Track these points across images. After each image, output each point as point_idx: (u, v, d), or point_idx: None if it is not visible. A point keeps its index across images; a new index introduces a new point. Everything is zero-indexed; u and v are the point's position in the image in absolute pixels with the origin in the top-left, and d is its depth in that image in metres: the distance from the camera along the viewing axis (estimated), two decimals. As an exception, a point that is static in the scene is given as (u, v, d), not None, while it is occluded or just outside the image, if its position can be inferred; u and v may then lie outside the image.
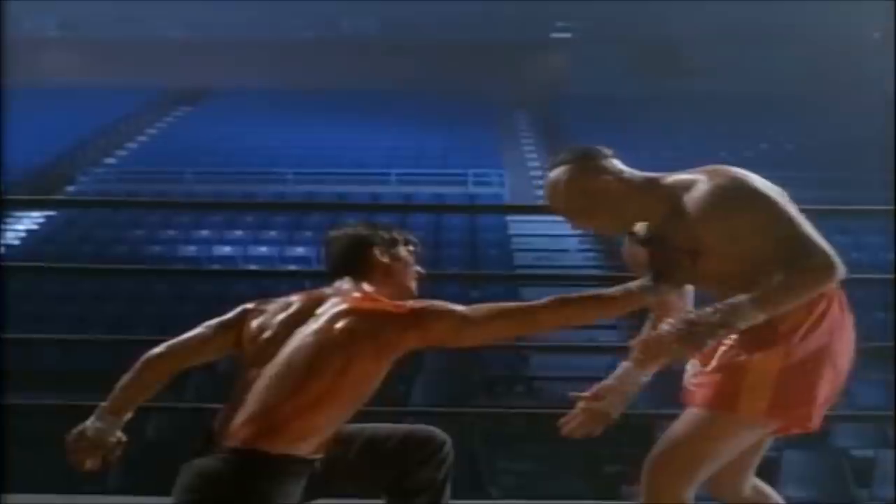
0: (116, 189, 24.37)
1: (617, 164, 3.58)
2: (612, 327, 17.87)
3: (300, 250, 19.96)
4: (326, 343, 3.37)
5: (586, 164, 3.51)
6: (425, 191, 24.32)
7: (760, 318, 3.18)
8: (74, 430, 3.52)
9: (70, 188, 25.37)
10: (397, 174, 25.70)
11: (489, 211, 23.40)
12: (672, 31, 33.58)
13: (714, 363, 3.39)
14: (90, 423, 3.54)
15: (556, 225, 22.66)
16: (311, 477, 3.42)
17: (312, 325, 3.44)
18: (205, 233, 21.26)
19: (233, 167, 25.24)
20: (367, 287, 3.63)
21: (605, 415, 3.70)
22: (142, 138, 31.36)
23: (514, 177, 27.04)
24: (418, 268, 3.86)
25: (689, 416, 3.39)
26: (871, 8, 31.22)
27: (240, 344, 3.55)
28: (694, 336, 3.19)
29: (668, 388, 11.80)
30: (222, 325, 3.62)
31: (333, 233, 3.83)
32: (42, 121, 27.48)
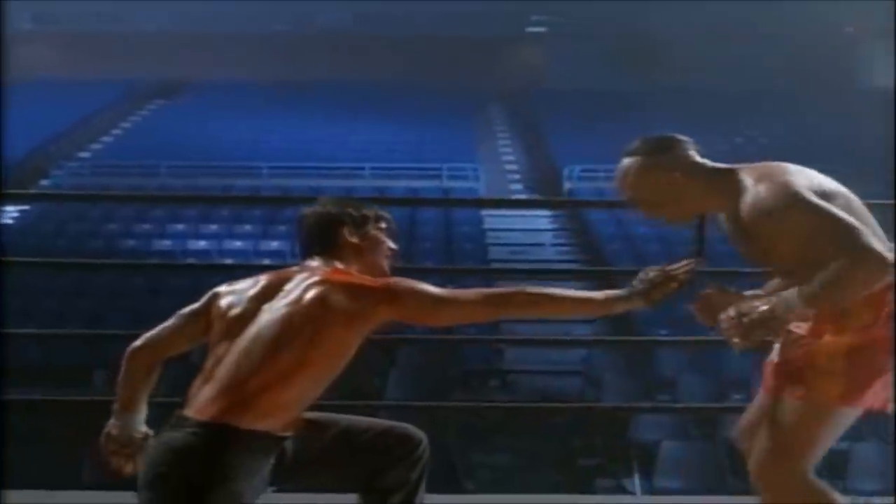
0: (91, 183, 24.28)
1: (689, 155, 3.57)
2: (588, 321, 17.91)
3: (275, 244, 19.93)
4: (296, 314, 3.37)
5: (658, 157, 3.55)
6: (400, 185, 24.32)
7: (809, 311, 3.31)
8: (102, 435, 3.58)
9: (44, 182, 25.27)
10: (371, 168, 25.68)
11: (464, 205, 23.38)
12: (648, 27, 33.62)
13: (791, 352, 3.47)
14: (111, 423, 3.59)
15: (530, 219, 22.82)
16: (282, 460, 3.41)
17: (282, 299, 3.44)
18: (180, 227, 21.20)
19: (207, 161, 25.16)
20: (337, 265, 3.60)
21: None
22: (116, 132, 31.22)
23: (489, 171, 27.06)
24: (391, 244, 3.81)
25: (782, 407, 3.44)
26: (843, 4, 31.36)
27: (211, 328, 3.55)
28: (745, 327, 3.33)
29: (642, 383, 11.83)
30: (193, 313, 3.64)
31: (305, 211, 3.79)
32: (16, 114, 27.33)
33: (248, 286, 3.56)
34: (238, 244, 20.22)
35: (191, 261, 18.38)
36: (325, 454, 3.52)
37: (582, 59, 34.46)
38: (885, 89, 32.67)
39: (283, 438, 3.38)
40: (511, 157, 30.23)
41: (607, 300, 3.71)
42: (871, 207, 3.52)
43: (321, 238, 3.68)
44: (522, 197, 26.02)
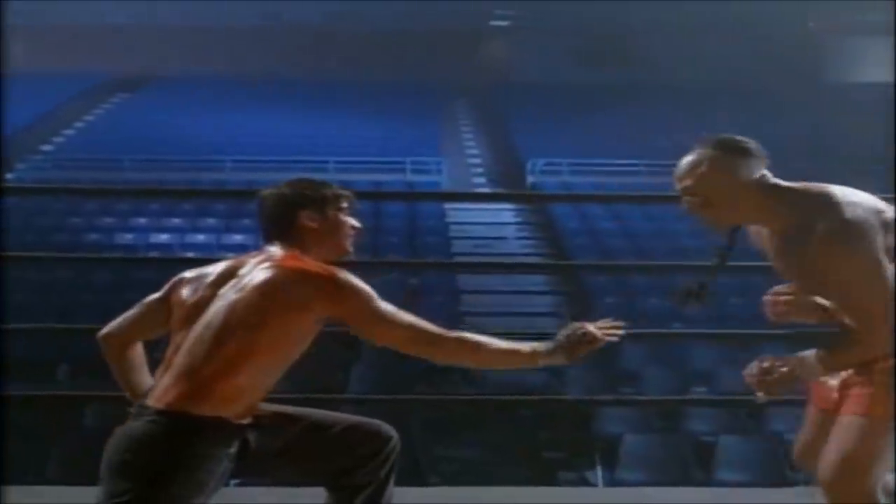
0: (54, 176, 24.14)
1: (758, 165, 3.56)
2: (550, 314, 17.97)
3: (238, 238, 19.88)
4: (240, 301, 3.36)
5: (734, 160, 3.53)
6: (364, 178, 24.29)
7: (825, 372, 3.49)
8: None
9: (8, 175, 25.12)
10: (336, 162, 25.64)
11: (427, 198, 23.38)
12: (612, 21, 33.67)
13: (850, 371, 3.53)
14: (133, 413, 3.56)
15: (493, 212, 22.85)
16: (248, 452, 3.41)
17: (232, 286, 3.44)
18: (143, 220, 21.13)
19: (171, 155, 25.06)
20: (297, 251, 3.57)
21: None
22: (79, 125, 31.05)
23: (453, 164, 27.06)
24: (354, 222, 3.78)
25: (849, 425, 3.47)
26: (806, 1, 31.59)
27: (172, 315, 3.56)
28: (768, 383, 3.55)
29: (604, 377, 11.83)
30: (156, 301, 3.66)
31: (263, 193, 3.74)
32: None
33: (208, 272, 3.57)
34: (201, 238, 20.16)
35: (154, 254, 18.33)
36: (293, 448, 3.52)
37: (546, 53, 34.53)
38: (847, 85, 32.91)
39: (242, 426, 3.37)
40: (474, 151, 30.25)
41: (533, 353, 3.60)
42: None
43: (279, 223, 3.64)
44: (486, 190, 26.04)
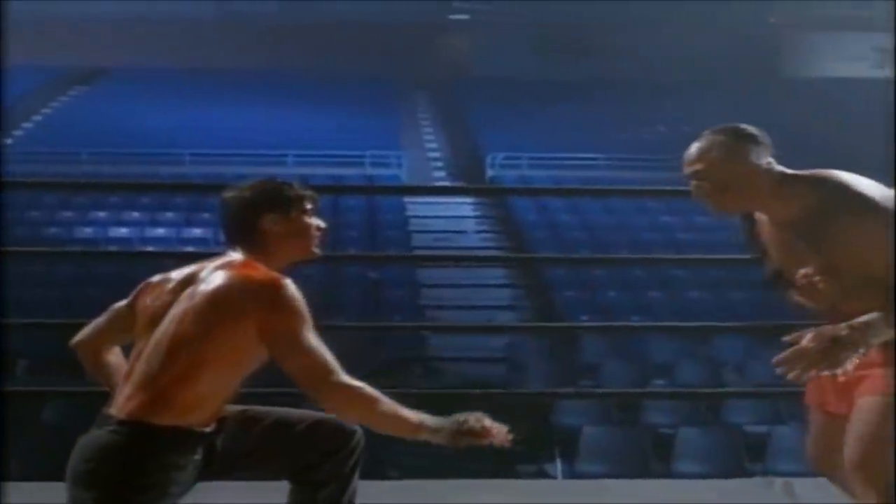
0: (12, 170, 23.98)
1: (765, 152, 3.58)
2: (511, 308, 18.01)
3: (198, 232, 19.83)
4: (190, 310, 3.32)
5: (747, 145, 3.56)
6: (323, 172, 24.26)
7: (892, 334, 3.36)
8: None
9: (-35, 169, 24.95)
10: (295, 155, 25.60)
11: (387, 192, 23.39)
12: (572, 16, 33.72)
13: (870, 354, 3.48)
14: None
15: (453, 206, 22.86)
16: (213, 455, 3.39)
17: (188, 293, 3.39)
18: (102, 214, 21.03)
19: (130, 148, 24.97)
20: (259, 256, 3.49)
21: None
22: (37, 118, 30.87)
23: (412, 158, 27.07)
24: (319, 223, 3.69)
25: (869, 406, 3.48)
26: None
27: (136, 321, 3.51)
28: (832, 354, 3.31)
29: (565, 369, 11.84)
30: (124, 306, 3.60)
31: (225, 196, 3.62)
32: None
33: (172, 278, 3.52)
34: (160, 232, 20.10)
35: (114, 248, 18.25)
36: (258, 448, 3.50)
37: (506, 47, 34.55)
38: (807, 79, 33.11)
39: (206, 434, 3.35)
40: (434, 145, 30.27)
41: (419, 426, 3.42)
42: None
43: (242, 228, 3.54)
44: (446, 184, 26.07)
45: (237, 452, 3.47)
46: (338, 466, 3.53)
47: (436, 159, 28.90)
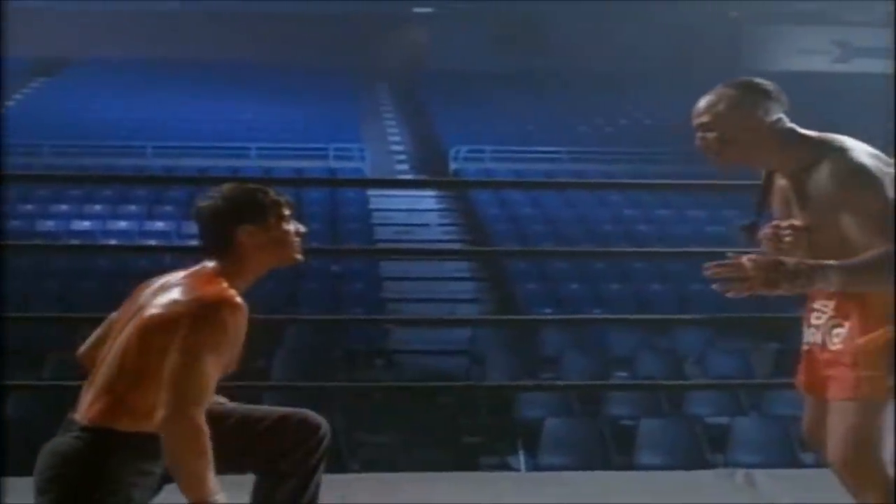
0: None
1: (777, 108, 3.62)
2: (473, 301, 18.04)
3: (160, 225, 19.76)
4: (141, 320, 3.30)
5: (755, 98, 3.59)
6: (286, 165, 24.21)
7: (843, 287, 3.41)
8: None
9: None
10: (258, 148, 25.54)
11: (350, 185, 23.38)
12: (534, 9, 33.76)
13: (833, 351, 3.53)
14: None
15: (416, 199, 22.85)
16: None
17: (148, 302, 3.37)
18: (63, 207, 20.92)
19: (91, 140, 24.84)
20: (234, 268, 3.43)
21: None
22: (-3, 110, 30.65)
23: (375, 151, 27.04)
24: (299, 228, 3.60)
25: (840, 410, 3.49)
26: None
27: None
28: (771, 276, 3.36)
29: (526, 362, 11.89)
30: (115, 314, 3.59)
31: (199, 205, 3.54)
32: None
33: (150, 285, 3.51)
34: (122, 225, 20.00)
35: (74, 242, 18.18)
36: (223, 445, 3.42)
37: (467, 40, 34.54)
38: (767, 73, 33.16)
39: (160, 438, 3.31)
40: (397, 138, 30.24)
41: (209, 495, 3.19)
42: None
43: (217, 239, 3.47)
44: (408, 177, 26.06)
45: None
46: (303, 459, 3.53)
47: (399, 152, 28.88)
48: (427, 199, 23.41)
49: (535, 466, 9.48)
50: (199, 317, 3.22)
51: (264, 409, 3.66)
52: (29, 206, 20.77)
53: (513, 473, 9.43)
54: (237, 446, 3.53)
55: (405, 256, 18.65)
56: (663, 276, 16.91)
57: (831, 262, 3.37)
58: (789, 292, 3.41)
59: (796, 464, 8.55)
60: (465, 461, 10.59)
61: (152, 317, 3.28)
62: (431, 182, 29.68)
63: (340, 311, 15.62)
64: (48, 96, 31.14)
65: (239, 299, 3.31)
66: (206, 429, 3.17)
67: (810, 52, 35.24)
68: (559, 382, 11.65)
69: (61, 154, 24.05)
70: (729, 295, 3.43)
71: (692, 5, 32.12)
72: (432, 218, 22.64)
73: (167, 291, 3.35)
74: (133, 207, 21.02)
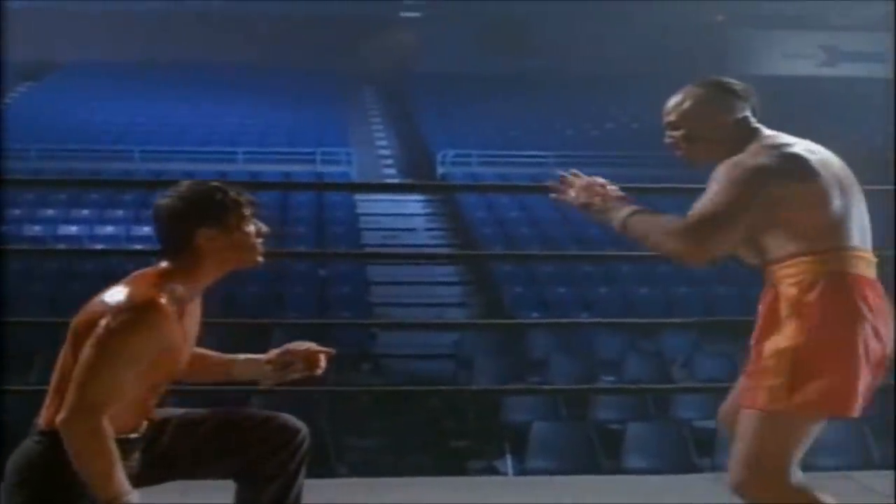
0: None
1: (743, 106, 3.62)
2: (460, 304, 18.04)
3: (147, 229, 19.70)
4: (76, 322, 3.25)
5: (719, 97, 3.63)
6: (273, 169, 24.21)
7: (618, 229, 3.61)
8: None
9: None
10: (245, 152, 25.53)
11: (337, 189, 23.36)
12: (521, 11, 33.80)
13: (749, 366, 3.49)
14: None
15: (403, 204, 22.86)
16: (152, 460, 3.38)
17: (88, 303, 3.30)
18: (50, 212, 20.88)
19: (78, 144, 24.81)
20: (190, 269, 3.33)
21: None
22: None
23: (362, 155, 27.04)
24: (261, 227, 3.46)
25: (745, 420, 3.44)
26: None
27: None
28: (587, 200, 3.70)
29: (513, 365, 11.85)
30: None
31: (157, 204, 3.41)
32: None
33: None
34: (109, 229, 19.95)
35: (62, 246, 18.14)
36: (201, 448, 3.47)
37: (456, 42, 34.58)
38: (754, 77, 33.30)
39: (131, 440, 3.31)
40: (384, 142, 30.25)
41: (120, 493, 3.10)
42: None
43: (174, 241, 3.35)
44: (396, 181, 26.06)
45: (180, 454, 3.45)
46: (282, 464, 3.48)
47: (386, 156, 28.89)
48: (414, 203, 23.42)
49: (522, 470, 9.48)
50: (114, 319, 3.13)
51: (243, 412, 3.62)
52: (16, 211, 20.72)
53: (500, 477, 9.44)
54: (217, 449, 3.49)
55: (392, 260, 18.65)
56: (650, 280, 16.93)
57: (634, 207, 3.56)
58: (596, 218, 3.70)
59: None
60: (452, 465, 10.59)
61: (81, 319, 3.22)
62: (418, 186, 29.70)
63: (327, 314, 15.60)
64: (35, 100, 31.07)
65: (164, 302, 3.18)
66: (107, 431, 3.08)
67: (796, 57, 35.36)
68: (546, 386, 11.65)
69: (49, 158, 24.01)
70: (552, 197, 3.79)
71: (679, 9, 32.20)
72: (419, 222, 22.66)
73: (104, 293, 3.26)
74: (120, 212, 20.97)
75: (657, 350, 13.57)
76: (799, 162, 3.40)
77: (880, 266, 3.41)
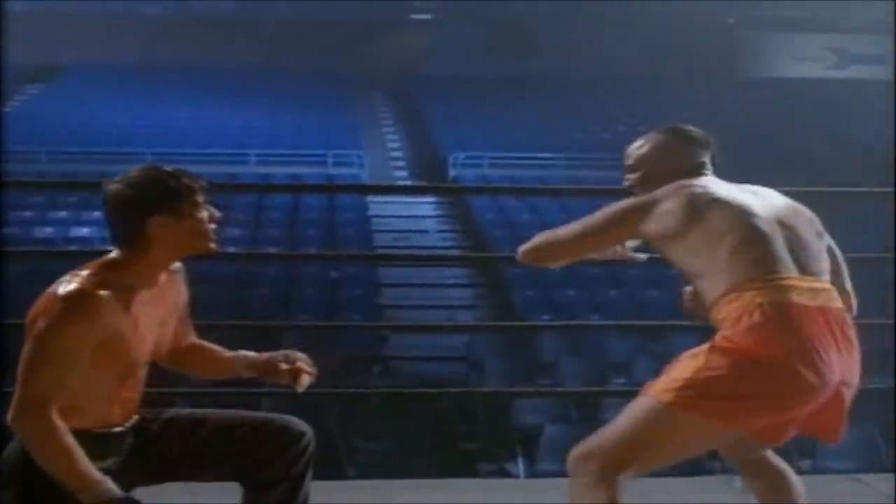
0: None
1: (700, 153, 3.67)
2: (470, 307, 18.03)
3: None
4: (32, 317, 3.18)
5: (673, 143, 3.68)
6: (284, 171, 24.24)
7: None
8: None
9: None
10: (256, 154, 25.56)
11: (348, 191, 23.38)
12: (531, 13, 33.80)
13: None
14: None
15: (414, 206, 22.88)
16: (150, 460, 3.37)
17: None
18: (61, 214, 20.92)
19: (88, 146, 24.83)
20: (140, 257, 3.26)
21: None
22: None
23: (374, 157, 27.06)
24: (213, 212, 3.36)
25: (633, 402, 3.40)
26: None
27: None
28: None
29: (523, 368, 11.85)
30: None
31: (106, 190, 3.30)
32: None
33: None
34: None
35: (73, 248, 18.17)
36: (200, 451, 3.44)
37: (465, 44, 34.58)
38: (764, 79, 33.29)
39: (111, 435, 3.28)
40: (396, 144, 30.26)
41: (94, 484, 3.07)
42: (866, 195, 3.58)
43: (124, 229, 3.27)
44: (407, 183, 26.07)
45: (181, 454, 3.43)
46: (288, 466, 3.43)
47: (397, 159, 28.90)
48: (425, 206, 23.43)
49: (533, 473, 9.48)
50: (47, 313, 3.09)
51: (244, 414, 3.56)
52: (27, 213, 20.76)
53: (511, 480, 9.44)
54: (221, 449, 3.45)
55: (403, 263, 18.66)
56: (660, 282, 16.91)
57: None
58: None
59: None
60: (462, 467, 10.59)
61: (30, 315, 3.16)
62: (429, 188, 29.71)
63: (338, 317, 15.62)
64: (45, 102, 31.11)
65: (98, 292, 3.12)
66: (57, 425, 3.04)
67: (805, 59, 35.31)
68: (556, 388, 11.66)
69: (58, 160, 24.05)
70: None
71: (690, 11, 32.17)
72: (430, 224, 22.67)
73: (51, 286, 3.20)
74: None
75: (667, 352, 13.54)
76: (699, 200, 3.38)
77: (881, 266, 3.38)
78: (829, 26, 34.77)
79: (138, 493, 3.27)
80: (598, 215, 3.52)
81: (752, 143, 24.67)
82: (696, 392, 3.20)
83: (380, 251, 19.46)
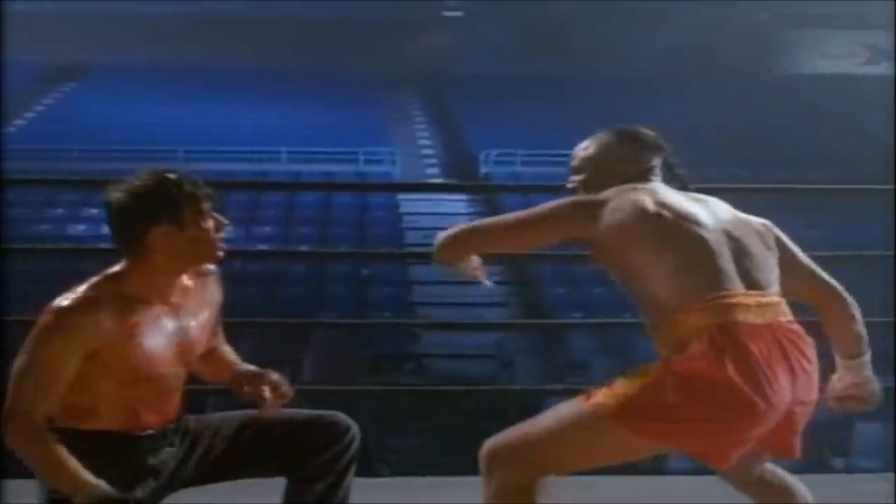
0: (6, 167, 23.90)
1: (648, 157, 3.56)
2: (502, 304, 18.03)
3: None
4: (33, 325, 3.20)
5: (619, 146, 3.57)
6: (316, 169, 24.26)
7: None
8: None
9: (-41, 167, 24.84)
10: (288, 152, 25.59)
11: (380, 189, 23.41)
12: (560, 11, 33.74)
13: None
14: None
15: (446, 203, 22.86)
16: (195, 460, 3.39)
17: None
18: (94, 211, 21.01)
19: (121, 144, 24.90)
20: (142, 267, 3.21)
21: None
22: (29, 115, 30.75)
23: (405, 155, 27.06)
24: (219, 220, 3.28)
25: (561, 405, 3.38)
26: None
27: None
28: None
29: (554, 365, 11.92)
30: None
31: (108, 199, 3.23)
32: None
33: None
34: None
35: (104, 245, 18.25)
36: (247, 450, 3.45)
37: (495, 43, 34.55)
38: (798, 77, 33.17)
39: (140, 438, 3.27)
40: (427, 142, 30.25)
41: (82, 484, 3.04)
42: (869, 193, 3.52)
43: (126, 239, 3.20)
44: (439, 181, 26.06)
45: (226, 454, 3.44)
46: (332, 461, 3.44)
47: (429, 156, 28.90)
48: (457, 203, 23.42)
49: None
50: (41, 323, 3.10)
51: (289, 411, 3.53)
52: (59, 210, 20.87)
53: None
54: (263, 449, 3.46)
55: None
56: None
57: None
58: None
59: (801, 468, 8.50)
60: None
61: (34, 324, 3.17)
62: (461, 186, 29.71)
63: (370, 314, 15.65)
64: (79, 100, 31.23)
65: (89, 304, 3.11)
66: (42, 433, 3.05)
67: (837, 56, 35.12)
68: (588, 387, 11.67)
69: (91, 158, 24.09)
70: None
71: (723, 9, 32.07)
72: (462, 221, 22.68)
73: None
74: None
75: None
76: (642, 207, 3.29)
77: (881, 267, 3.33)
78: (861, 22, 34.56)
79: (183, 493, 3.31)
80: (533, 210, 3.45)
81: (782, 141, 24.63)
82: (638, 411, 3.15)
83: (411, 249, 19.49)
